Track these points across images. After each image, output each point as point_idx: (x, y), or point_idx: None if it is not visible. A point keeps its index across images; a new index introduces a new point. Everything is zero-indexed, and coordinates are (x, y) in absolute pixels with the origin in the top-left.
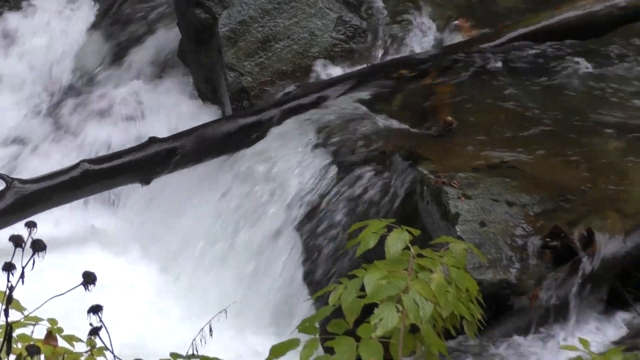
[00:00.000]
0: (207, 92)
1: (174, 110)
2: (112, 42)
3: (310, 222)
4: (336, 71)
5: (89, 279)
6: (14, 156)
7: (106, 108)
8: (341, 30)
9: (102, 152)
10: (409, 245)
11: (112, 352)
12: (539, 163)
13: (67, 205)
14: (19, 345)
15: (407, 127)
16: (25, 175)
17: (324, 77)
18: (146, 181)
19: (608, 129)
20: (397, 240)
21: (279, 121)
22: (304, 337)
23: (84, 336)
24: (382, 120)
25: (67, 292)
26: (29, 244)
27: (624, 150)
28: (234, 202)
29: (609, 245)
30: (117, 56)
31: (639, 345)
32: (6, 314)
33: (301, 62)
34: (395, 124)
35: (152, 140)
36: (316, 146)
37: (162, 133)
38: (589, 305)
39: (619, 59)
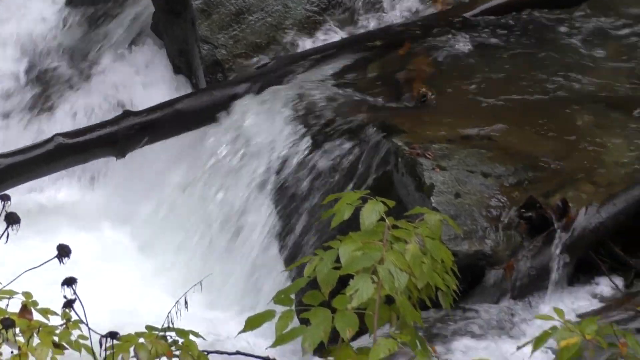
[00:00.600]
0: (181, 65)
1: (148, 83)
2: (87, 16)
3: (285, 193)
4: (310, 43)
5: (63, 251)
6: None
7: (80, 81)
8: (315, 2)
9: (76, 126)
10: (384, 217)
11: (87, 325)
12: (514, 134)
13: (42, 179)
14: None
15: (381, 98)
16: None
17: (298, 49)
18: (121, 154)
19: (581, 99)
20: (372, 212)
21: (254, 93)
22: (279, 309)
23: (59, 310)
24: (356, 92)
25: (41, 265)
26: (2, 216)
27: (598, 120)
28: (208, 174)
29: (583, 216)
30: (92, 29)
31: (614, 315)
32: None
33: (275, 35)
34: (368, 95)
35: (127, 114)
36: (290, 118)
37: (137, 106)
38: (564, 275)
39: (590, 30)
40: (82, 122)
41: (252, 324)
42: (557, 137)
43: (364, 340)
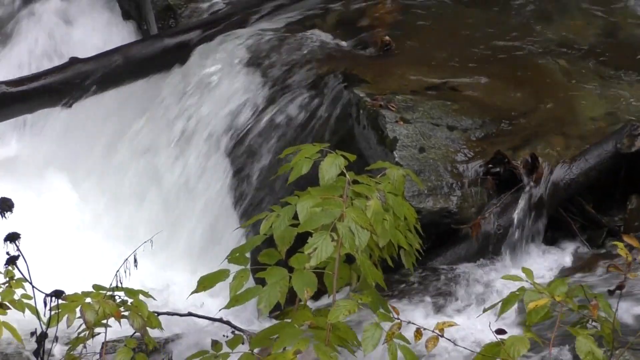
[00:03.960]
0: (130, 9)
1: (96, 29)
2: None
3: (241, 147)
4: None
5: (5, 205)
6: None
7: (23, 26)
8: None
9: (20, 75)
10: (344, 171)
11: (31, 283)
12: (481, 85)
13: None
14: None
15: (342, 47)
16: None
17: None
18: (67, 104)
19: (552, 48)
20: (332, 166)
21: (208, 41)
22: (233, 268)
23: (2, 267)
24: (315, 40)
25: None
26: None
27: (569, 70)
28: (160, 126)
29: (553, 172)
30: None
31: (585, 276)
32: None
33: None
34: (329, 43)
35: (74, 61)
36: (247, 67)
37: (84, 53)
38: (533, 234)
39: None
40: (25, 71)
41: (205, 284)
42: (526, 88)
43: (322, 302)
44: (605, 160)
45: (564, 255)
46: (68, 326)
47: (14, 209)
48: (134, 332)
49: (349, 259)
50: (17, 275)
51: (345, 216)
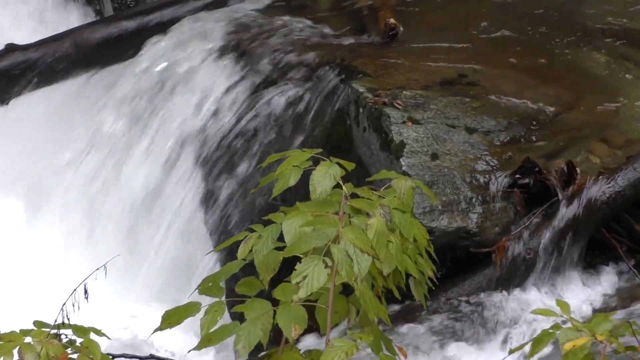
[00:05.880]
0: None
1: (37, 11)
2: None
3: (215, 153)
4: None
5: None
6: None
7: None
8: None
9: None
10: (341, 183)
11: None
12: (507, 78)
13: None
14: None
15: (338, 32)
16: None
17: None
18: (3, 101)
19: (593, 35)
20: (326, 176)
21: (175, 24)
22: (205, 301)
23: None
24: (306, 25)
25: None
26: None
27: (611, 62)
28: (117, 127)
29: (595, 184)
30: None
31: (633, 309)
32: None
33: None
34: (323, 29)
35: (10, 49)
36: (223, 57)
37: (23, 40)
38: (570, 258)
39: None
40: None
41: (171, 319)
42: (561, 83)
43: (313, 341)
44: None
45: (607, 285)
46: None
47: None
48: None
49: (347, 290)
50: None
51: (342, 237)
